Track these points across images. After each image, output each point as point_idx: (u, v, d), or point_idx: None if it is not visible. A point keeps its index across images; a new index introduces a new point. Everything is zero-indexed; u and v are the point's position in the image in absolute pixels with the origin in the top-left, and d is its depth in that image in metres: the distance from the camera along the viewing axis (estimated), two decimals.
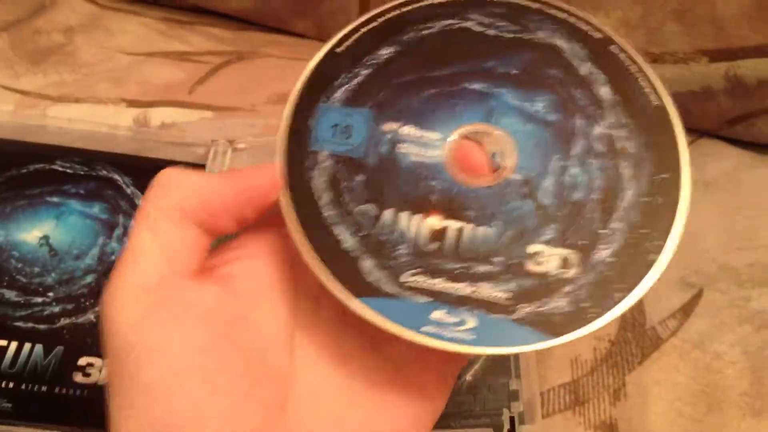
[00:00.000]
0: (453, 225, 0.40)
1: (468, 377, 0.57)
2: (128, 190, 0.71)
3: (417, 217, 0.40)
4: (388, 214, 0.40)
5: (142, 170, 0.73)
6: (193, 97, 0.82)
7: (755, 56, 0.65)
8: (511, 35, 0.44)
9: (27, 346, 0.61)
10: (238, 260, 0.39)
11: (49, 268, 0.66)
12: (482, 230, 0.40)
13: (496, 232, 0.40)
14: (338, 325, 0.40)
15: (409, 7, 0.45)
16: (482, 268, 0.39)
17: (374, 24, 0.45)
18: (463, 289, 0.39)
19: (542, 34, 0.44)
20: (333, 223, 0.40)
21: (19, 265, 0.66)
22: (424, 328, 0.38)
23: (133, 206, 0.70)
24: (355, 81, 0.43)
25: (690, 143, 0.70)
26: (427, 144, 0.42)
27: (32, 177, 0.72)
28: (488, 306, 0.38)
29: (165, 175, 0.39)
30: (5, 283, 0.65)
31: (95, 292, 0.65)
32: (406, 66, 0.43)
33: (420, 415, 0.40)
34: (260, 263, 0.39)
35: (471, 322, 0.38)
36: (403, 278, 0.39)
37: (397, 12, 0.45)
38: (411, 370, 0.40)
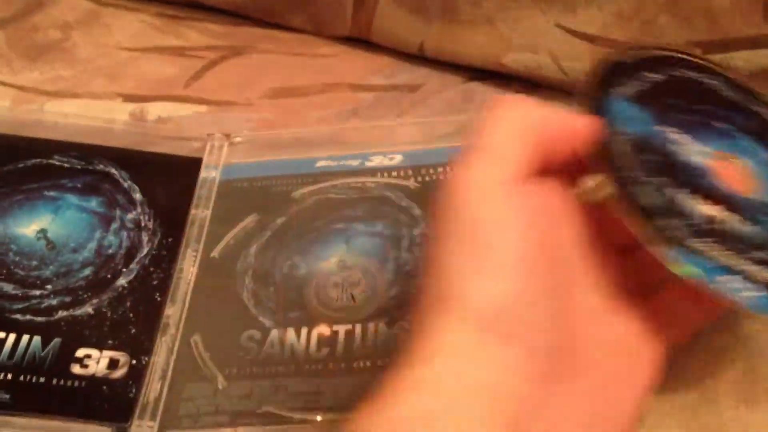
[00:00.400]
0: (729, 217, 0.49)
1: None
2: (125, 184, 0.72)
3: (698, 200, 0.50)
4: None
5: (139, 164, 0.73)
6: (189, 92, 0.82)
7: (748, 48, 0.66)
8: None
9: (25, 338, 0.61)
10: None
11: (47, 261, 0.66)
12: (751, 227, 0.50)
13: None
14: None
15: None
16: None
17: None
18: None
19: None
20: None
21: (17, 259, 0.66)
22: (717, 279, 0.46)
23: (130, 200, 0.71)
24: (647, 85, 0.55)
25: None
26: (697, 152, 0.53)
27: (29, 172, 0.72)
28: None
29: (510, 98, 0.49)
30: (3, 276, 0.65)
31: (93, 285, 0.65)
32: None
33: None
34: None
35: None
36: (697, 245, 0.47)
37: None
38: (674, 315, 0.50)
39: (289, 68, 0.83)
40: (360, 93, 0.82)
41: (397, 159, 0.71)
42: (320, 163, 0.73)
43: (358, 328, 0.61)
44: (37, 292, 0.64)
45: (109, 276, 0.66)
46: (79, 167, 0.73)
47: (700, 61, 0.59)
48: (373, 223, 0.67)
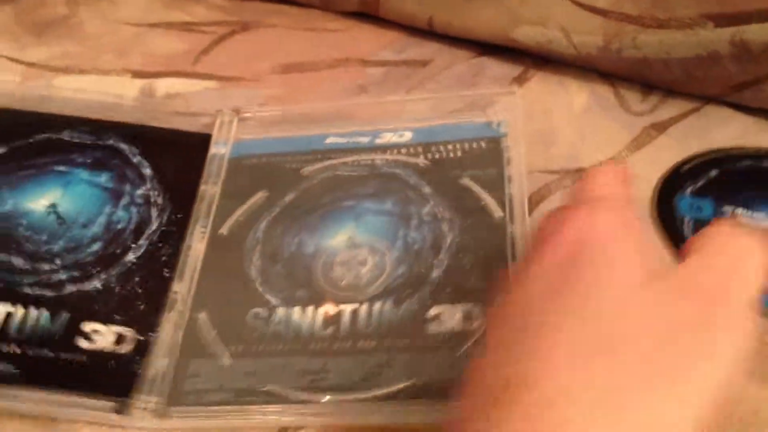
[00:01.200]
0: None
1: None
2: (135, 160, 0.72)
3: None
4: None
5: (149, 140, 0.73)
6: (198, 68, 0.82)
7: (761, 21, 0.65)
8: None
9: (33, 312, 0.62)
10: None
11: (57, 235, 0.66)
12: None
13: None
14: None
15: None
16: None
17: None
18: None
19: None
20: None
21: (27, 233, 0.66)
22: None
23: (140, 175, 0.71)
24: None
25: (696, 110, 0.72)
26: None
27: (40, 147, 0.72)
28: None
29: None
30: (13, 250, 0.65)
31: (101, 260, 0.65)
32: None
33: None
34: None
35: None
36: None
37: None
38: None
39: (297, 43, 0.83)
40: (369, 68, 0.82)
41: (407, 136, 0.71)
42: (330, 140, 0.72)
43: (364, 306, 0.60)
44: (47, 267, 0.64)
45: (118, 251, 0.66)
46: (89, 142, 0.73)
47: None
48: (382, 201, 0.67)
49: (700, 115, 0.74)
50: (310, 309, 0.61)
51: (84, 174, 0.71)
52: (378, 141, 0.71)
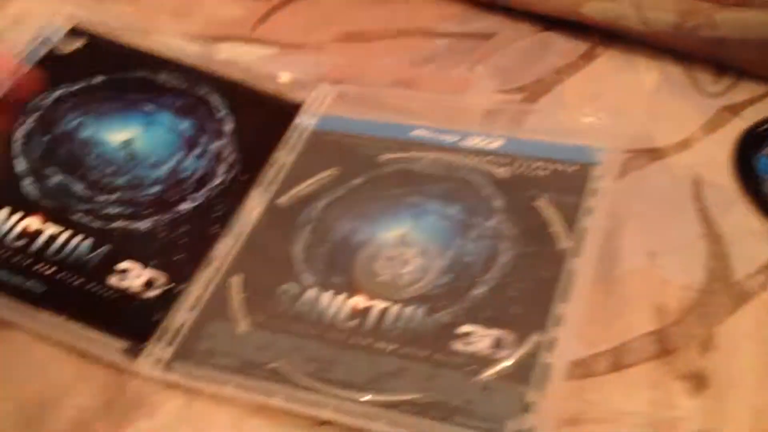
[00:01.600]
0: None
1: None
2: (219, 114, 0.71)
3: None
4: None
5: (239, 97, 0.73)
6: (257, 34, 0.81)
7: None
8: None
9: (76, 238, 0.62)
10: None
11: (123, 171, 0.67)
12: None
13: None
14: None
15: None
16: None
17: None
18: None
19: None
20: None
21: (95, 163, 0.67)
22: None
23: (219, 130, 0.71)
24: None
25: None
26: None
27: (134, 83, 0.73)
28: None
29: None
30: (76, 176, 0.66)
31: (156, 203, 0.65)
32: None
33: None
34: None
35: None
36: None
37: None
38: None
39: (358, 12, 0.82)
40: (433, 40, 0.80)
41: (496, 144, 0.68)
42: (415, 132, 0.70)
43: (395, 308, 0.58)
44: (103, 198, 0.65)
45: (174, 198, 0.66)
46: (182, 88, 0.73)
47: None
48: (449, 205, 0.64)
49: None
50: (341, 297, 0.59)
51: (167, 117, 0.71)
52: (464, 143, 0.68)
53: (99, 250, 0.62)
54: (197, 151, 0.69)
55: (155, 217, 0.64)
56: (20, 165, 0.66)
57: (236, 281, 0.61)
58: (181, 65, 0.74)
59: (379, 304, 0.58)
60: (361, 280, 0.60)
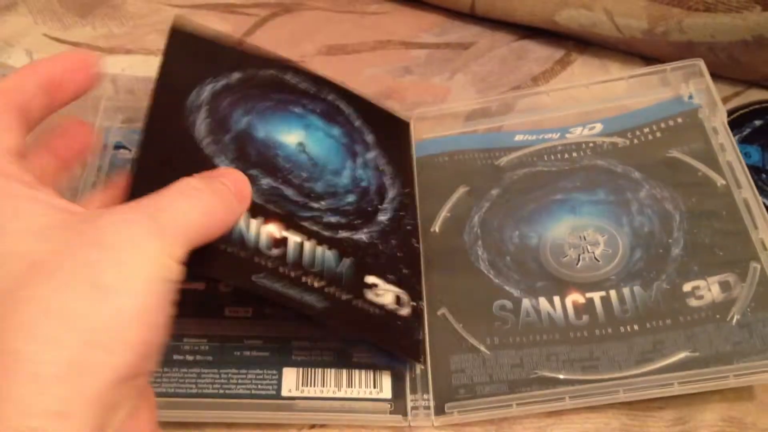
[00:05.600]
0: None
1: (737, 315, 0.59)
2: (356, 123, 0.68)
3: None
4: None
5: (362, 107, 0.70)
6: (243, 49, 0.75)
7: None
8: None
9: (321, 247, 0.58)
10: None
11: (314, 176, 0.62)
12: None
13: None
14: None
15: None
16: None
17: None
18: None
19: None
20: None
21: (288, 165, 0.61)
22: None
23: (364, 140, 0.67)
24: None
25: (739, 93, 0.78)
26: None
27: (268, 81, 0.65)
28: None
29: None
30: (280, 179, 0.60)
31: (359, 213, 0.62)
32: None
33: None
34: None
35: None
36: None
37: None
38: None
39: (339, 25, 0.85)
40: (412, 50, 0.84)
41: (598, 128, 0.72)
42: (518, 137, 0.72)
43: (613, 293, 0.61)
44: (316, 205, 0.60)
45: (370, 209, 0.63)
46: (312, 92, 0.67)
47: None
48: (593, 192, 0.67)
49: (742, 99, 0.77)
50: (556, 299, 0.61)
51: (319, 122, 0.65)
52: (569, 136, 0.71)
53: (344, 262, 0.58)
54: (360, 160, 0.66)
55: (366, 229, 0.62)
56: (222, 164, 0.57)
57: (445, 314, 0.62)
58: (299, 68, 0.68)
59: (596, 296, 0.61)
60: (562, 275, 0.63)
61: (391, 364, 0.59)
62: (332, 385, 0.59)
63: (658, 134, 0.69)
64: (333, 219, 0.60)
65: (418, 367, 0.59)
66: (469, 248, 0.65)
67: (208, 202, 0.43)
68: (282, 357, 0.60)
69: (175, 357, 0.59)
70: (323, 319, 0.56)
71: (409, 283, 0.61)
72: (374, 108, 0.71)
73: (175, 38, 0.60)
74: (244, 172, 0.51)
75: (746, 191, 0.63)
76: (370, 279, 0.59)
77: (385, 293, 0.59)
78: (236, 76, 0.63)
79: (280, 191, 0.59)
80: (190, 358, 0.60)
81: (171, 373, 0.59)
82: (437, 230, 0.67)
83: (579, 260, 0.63)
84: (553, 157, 0.70)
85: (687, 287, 0.60)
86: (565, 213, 0.66)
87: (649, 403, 0.58)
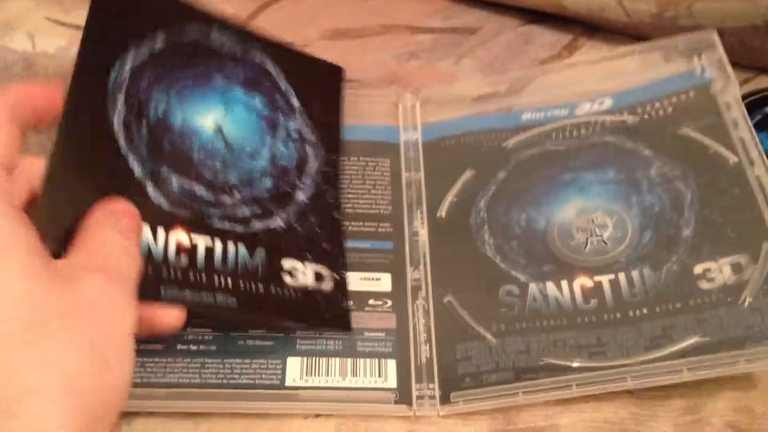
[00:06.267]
0: None
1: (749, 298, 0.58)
2: (282, 85, 0.66)
3: None
4: None
5: (291, 63, 0.67)
6: None
7: None
8: None
9: (231, 246, 0.57)
10: None
11: (228, 163, 0.60)
12: None
13: None
14: None
15: None
16: None
17: None
18: None
19: None
20: None
21: (201, 157, 0.58)
22: None
23: (289, 105, 0.65)
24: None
25: (749, 80, 0.76)
26: None
27: (192, 46, 0.61)
28: None
29: None
30: (193, 177, 0.57)
31: (276, 197, 0.61)
32: None
33: None
34: None
35: None
36: None
37: None
38: None
39: (343, 10, 0.84)
40: (417, 35, 0.83)
41: (607, 103, 0.70)
42: (526, 116, 0.71)
43: (622, 276, 0.60)
44: (229, 200, 0.59)
45: (288, 189, 0.62)
46: (237, 55, 0.64)
47: None
48: (603, 171, 0.66)
49: (752, 86, 0.76)
50: (564, 283, 0.61)
51: (240, 93, 0.63)
52: (577, 112, 0.70)
53: (257, 254, 0.58)
54: (281, 133, 0.64)
55: (283, 213, 0.61)
56: (136, 168, 0.54)
57: (451, 301, 0.61)
58: (229, 25, 0.64)
59: (605, 279, 0.61)
60: (570, 259, 0.62)
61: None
62: (337, 374, 0.59)
63: (669, 110, 0.68)
64: (247, 211, 0.59)
65: (424, 356, 0.59)
66: (475, 233, 0.65)
67: (133, 252, 0.46)
68: (286, 346, 0.60)
69: (179, 347, 0.59)
70: (236, 316, 0.56)
71: (331, 256, 0.61)
72: (305, 60, 0.69)
73: None
74: (156, 172, 0.54)
75: (759, 168, 0.62)
76: (287, 263, 0.59)
77: (303, 274, 0.59)
78: (160, 38, 0.59)
79: (192, 192, 0.57)
80: (193, 347, 0.59)
81: (175, 363, 0.59)
82: (443, 215, 0.66)
83: (587, 244, 0.62)
84: (561, 136, 0.69)
85: (698, 269, 0.59)
86: (574, 194, 0.65)
87: (659, 392, 0.57)
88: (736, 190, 0.62)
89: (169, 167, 0.56)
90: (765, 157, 0.62)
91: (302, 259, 0.60)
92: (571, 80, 0.72)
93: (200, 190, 0.57)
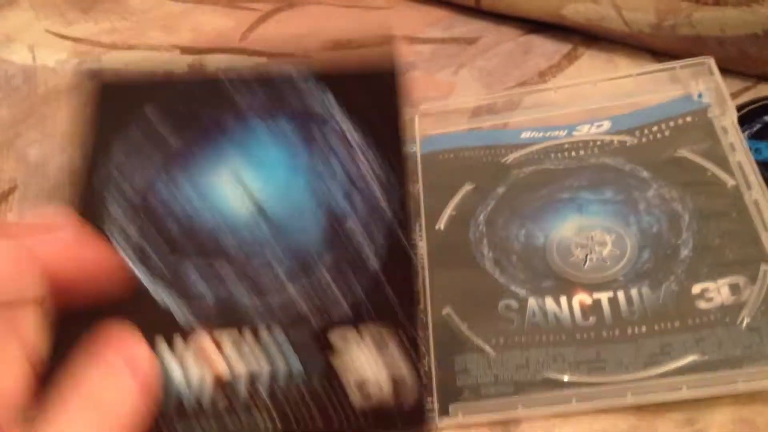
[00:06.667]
0: None
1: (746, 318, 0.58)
2: (337, 119, 0.51)
3: None
4: None
5: (338, 87, 0.52)
6: (246, 44, 0.81)
7: None
8: None
9: (283, 366, 0.44)
10: None
11: (277, 252, 0.46)
12: None
13: None
14: None
15: None
16: None
17: None
18: None
19: None
20: None
21: (241, 256, 0.46)
22: None
23: (343, 142, 0.51)
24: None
25: (749, 88, 0.76)
26: None
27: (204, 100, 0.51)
28: None
29: None
30: (230, 282, 0.45)
31: (340, 276, 0.47)
32: None
33: None
34: None
35: None
36: None
37: None
38: None
39: (343, 21, 0.84)
40: (417, 45, 0.83)
41: (605, 126, 0.71)
42: (525, 134, 0.71)
43: (621, 294, 0.60)
44: (278, 299, 0.45)
45: (355, 257, 0.47)
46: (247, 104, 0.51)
47: None
48: (600, 191, 0.66)
49: (753, 94, 0.76)
50: (563, 299, 0.60)
51: (278, 151, 0.50)
52: (576, 134, 0.70)
53: (312, 363, 0.44)
54: (336, 183, 0.49)
55: (350, 296, 0.46)
56: (143, 275, 0.44)
57: (450, 313, 0.61)
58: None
59: (604, 296, 0.60)
60: (569, 275, 0.62)
61: None
62: None
63: (667, 133, 0.68)
64: (303, 307, 0.45)
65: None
66: (474, 247, 0.64)
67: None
68: None
69: None
70: None
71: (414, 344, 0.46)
72: (351, 79, 0.54)
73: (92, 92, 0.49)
74: (177, 278, 0.44)
75: (756, 192, 0.62)
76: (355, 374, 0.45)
77: (380, 389, 0.45)
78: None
79: (232, 300, 0.45)
80: None
81: None
82: (442, 228, 0.66)
83: (586, 261, 0.62)
84: (560, 155, 0.69)
85: (696, 289, 0.59)
86: (572, 212, 0.66)
87: (659, 404, 0.56)
88: (734, 213, 0.62)
89: (195, 268, 0.45)
90: (762, 181, 0.62)
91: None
92: (569, 100, 0.73)
93: (243, 297, 0.45)
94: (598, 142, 0.70)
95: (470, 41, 0.82)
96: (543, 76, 0.79)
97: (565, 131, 0.71)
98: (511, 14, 0.84)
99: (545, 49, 0.82)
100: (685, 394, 0.55)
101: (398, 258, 0.49)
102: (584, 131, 0.71)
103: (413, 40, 0.82)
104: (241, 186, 0.48)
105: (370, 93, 0.53)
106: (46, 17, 0.80)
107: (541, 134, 0.71)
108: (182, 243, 0.45)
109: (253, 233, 0.47)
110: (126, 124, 0.48)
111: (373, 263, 0.48)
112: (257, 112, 0.51)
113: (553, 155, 0.70)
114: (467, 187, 0.68)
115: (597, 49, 0.82)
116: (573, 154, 0.69)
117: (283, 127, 0.50)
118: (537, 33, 0.84)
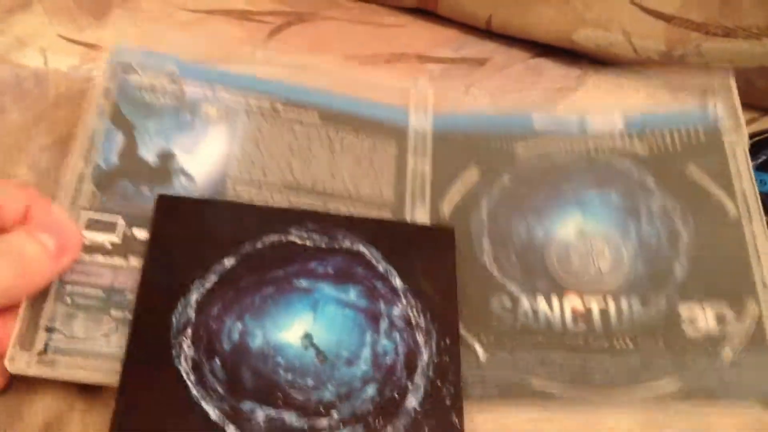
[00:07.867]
0: None
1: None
2: (380, 267, 0.59)
3: None
4: None
5: (387, 236, 0.61)
6: (260, 57, 0.77)
7: None
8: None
9: None
10: None
11: (323, 378, 0.54)
12: None
13: None
14: None
15: None
16: None
17: None
18: None
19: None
20: None
21: (290, 377, 0.53)
22: None
23: (391, 288, 0.58)
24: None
25: (755, 120, 0.78)
26: None
27: (270, 253, 0.57)
28: None
29: None
30: (281, 402, 0.52)
31: (382, 408, 0.54)
32: None
33: None
34: None
35: None
36: None
37: None
38: None
39: (354, 37, 0.84)
40: (428, 64, 0.82)
41: (619, 124, 0.70)
42: (537, 123, 0.71)
43: (612, 304, 0.61)
44: (325, 422, 0.52)
45: (396, 394, 0.54)
46: (323, 246, 0.59)
47: None
48: (606, 192, 0.67)
49: (759, 126, 0.78)
50: (554, 301, 0.61)
51: (330, 290, 0.57)
52: (588, 127, 0.70)
53: None
54: (384, 325, 0.57)
55: (390, 428, 0.53)
56: (211, 412, 0.51)
57: None
58: (307, 214, 0.61)
59: (595, 305, 0.61)
60: (564, 280, 0.62)
61: None
62: None
63: (677, 143, 0.69)
64: None
65: None
66: (474, 239, 0.65)
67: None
68: None
69: None
70: None
71: None
72: (406, 230, 0.63)
73: (161, 210, 0.56)
74: (237, 409, 0.50)
75: (756, 225, 0.63)
76: None
77: None
78: (229, 263, 0.56)
79: (281, 421, 0.52)
80: None
81: None
82: (446, 216, 0.66)
83: (583, 266, 0.63)
84: (570, 150, 0.69)
85: (684, 312, 0.61)
86: (574, 209, 0.66)
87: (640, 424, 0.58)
88: (732, 242, 0.63)
89: (252, 400, 0.52)
90: (763, 214, 0.63)
91: None
92: (584, 104, 0.74)
93: (291, 417, 0.52)
94: (610, 144, 0.69)
95: (480, 62, 0.82)
96: (552, 99, 0.79)
97: (579, 123, 0.71)
98: (521, 37, 0.84)
99: (555, 72, 0.83)
100: (660, 417, 0.56)
101: (444, 419, 0.54)
102: (597, 126, 0.71)
103: (423, 58, 0.82)
104: (295, 323, 0.55)
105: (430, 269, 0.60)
106: (58, 22, 0.79)
107: (554, 124, 0.71)
108: (242, 379, 0.52)
109: (303, 362, 0.54)
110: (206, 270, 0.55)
111: (415, 412, 0.54)
112: (328, 279, 0.57)
113: (563, 148, 0.70)
114: (473, 171, 0.68)
115: (606, 74, 0.82)
116: (583, 150, 0.69)
117: (351, 297, 0.57)
118: (546, 56, 0.84)
